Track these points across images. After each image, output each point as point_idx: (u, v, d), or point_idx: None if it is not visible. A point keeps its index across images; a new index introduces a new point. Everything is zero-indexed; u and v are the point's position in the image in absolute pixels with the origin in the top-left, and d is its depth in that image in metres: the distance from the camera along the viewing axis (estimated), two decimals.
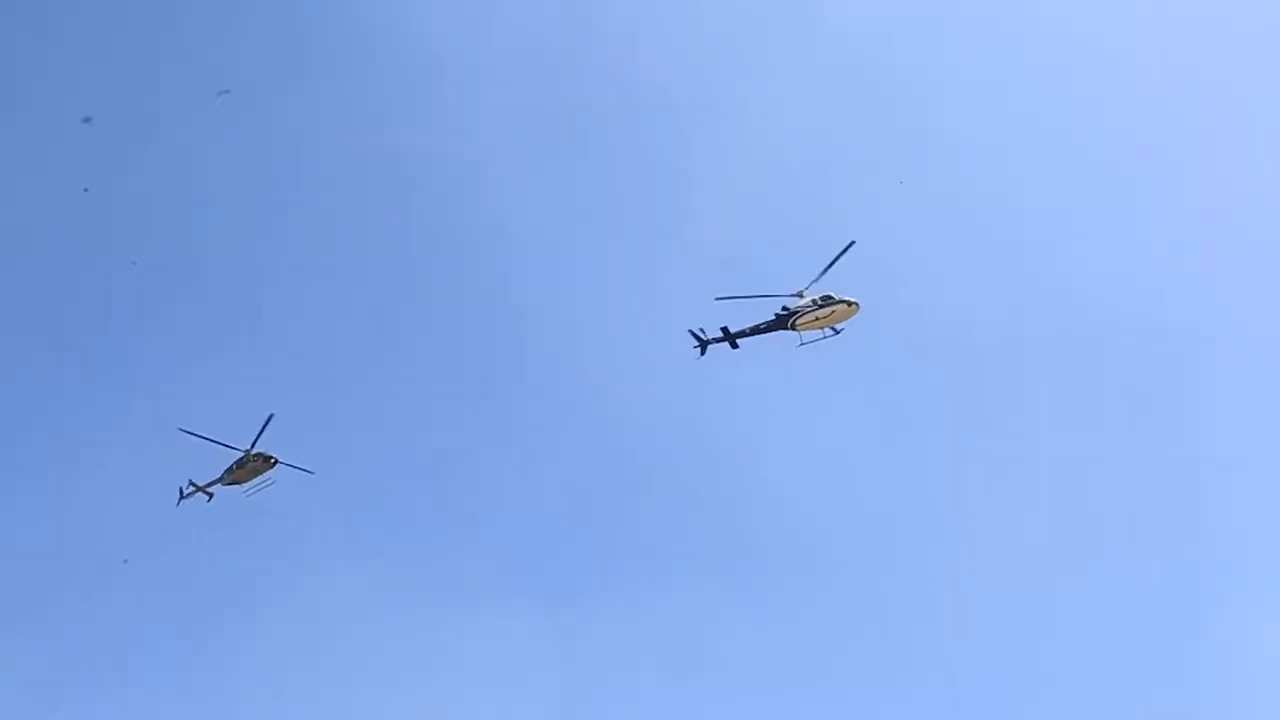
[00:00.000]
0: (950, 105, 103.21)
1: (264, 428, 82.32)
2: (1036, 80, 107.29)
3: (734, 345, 78.43)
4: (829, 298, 76.19)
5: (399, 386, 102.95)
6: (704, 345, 78.20)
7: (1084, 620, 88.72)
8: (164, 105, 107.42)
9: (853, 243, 73.90)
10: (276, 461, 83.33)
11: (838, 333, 76.48)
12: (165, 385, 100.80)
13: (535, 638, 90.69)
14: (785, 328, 77.09)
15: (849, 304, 75.86)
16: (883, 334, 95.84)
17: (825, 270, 75.27)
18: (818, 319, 76.01)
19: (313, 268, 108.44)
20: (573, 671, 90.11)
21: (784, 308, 77.03)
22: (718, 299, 76.54)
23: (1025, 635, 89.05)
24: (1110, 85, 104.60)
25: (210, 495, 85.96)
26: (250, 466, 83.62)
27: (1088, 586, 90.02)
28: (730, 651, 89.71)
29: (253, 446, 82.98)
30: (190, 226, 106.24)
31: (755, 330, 78.29)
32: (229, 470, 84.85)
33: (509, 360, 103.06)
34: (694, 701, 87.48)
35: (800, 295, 76.57)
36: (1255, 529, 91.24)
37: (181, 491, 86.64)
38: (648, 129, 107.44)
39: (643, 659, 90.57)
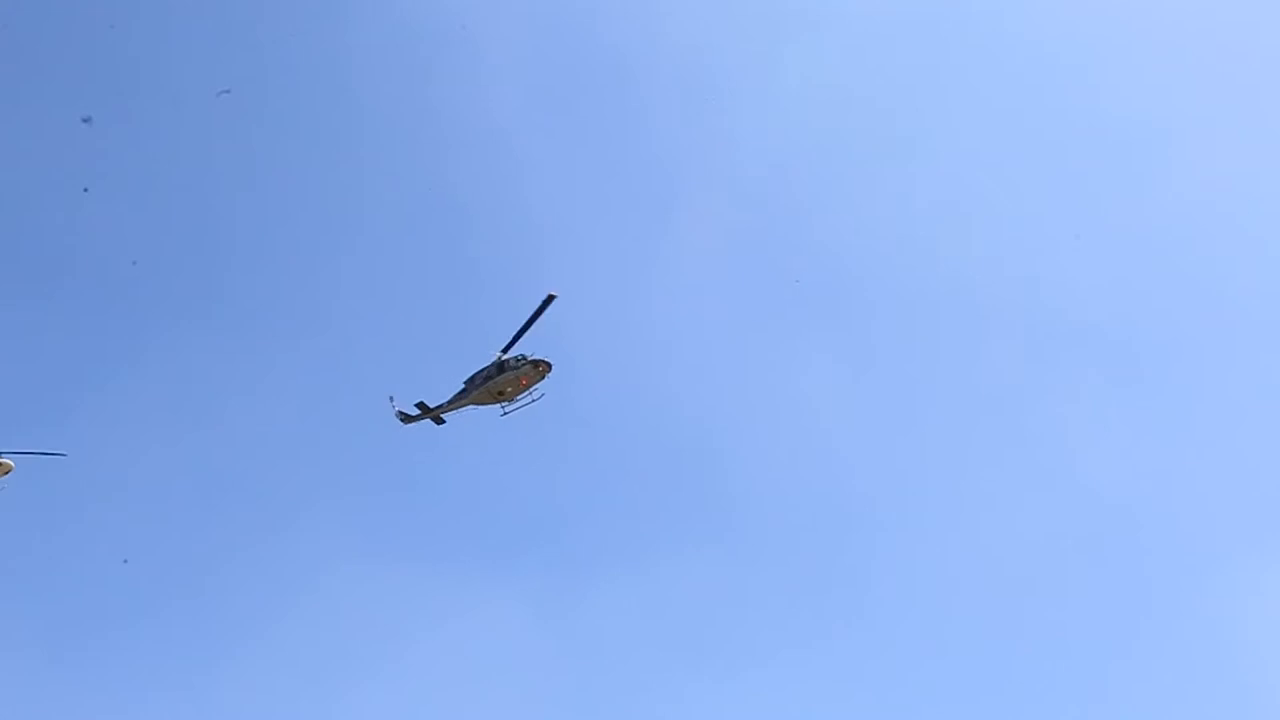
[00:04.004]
0: (955, 96, 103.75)
1: None
2: (1043, 75, 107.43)
3: (439, 421, 73.19)
4: (521, 358, 69.56)
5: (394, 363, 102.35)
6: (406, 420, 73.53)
7: (1089, 619, 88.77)
8: (165, 105, 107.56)
9: (552, 297, 67.47)
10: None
11: (535, 399, 69.76)
12: (181, 380, 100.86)
13: (529, 617, 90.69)
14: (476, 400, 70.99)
15: (535, 364, 69.22)
16: (888, 321, 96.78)
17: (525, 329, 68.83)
18: (509, 384, 69.33)
19: (315, 261, 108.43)
20: (567, 652, 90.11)
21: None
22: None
23: (1033, 627, 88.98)
24: (1115, 79, 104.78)
25: None
26: None
27: (1093, 580, 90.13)
28: (726, 629, 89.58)
29: None
30: (190, 223, 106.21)
31: (453, 402, 72.25)
32: None
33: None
34: (694, 682, 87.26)
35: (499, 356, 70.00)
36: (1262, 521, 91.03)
37: None
38: (656, 121, 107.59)
39: (641, 638, 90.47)
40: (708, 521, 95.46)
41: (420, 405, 73.06)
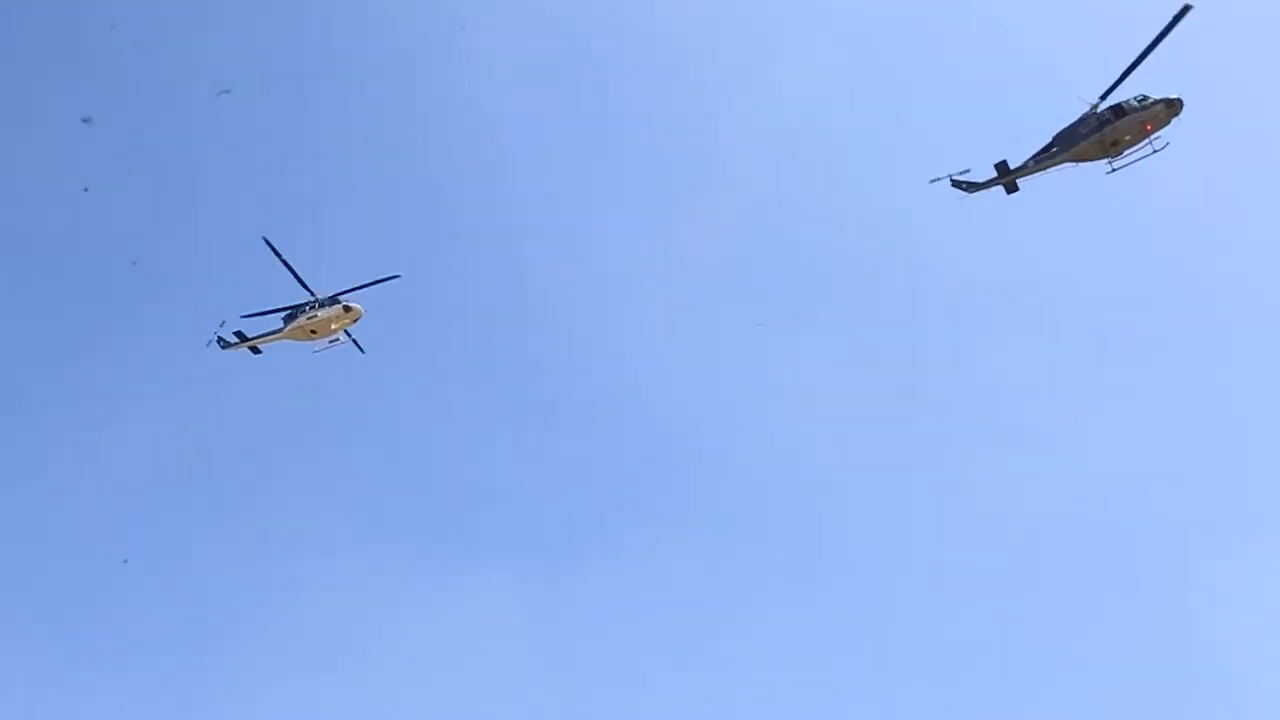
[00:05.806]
0: (956, 96, 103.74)
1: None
2: (1042, 75, 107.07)
3: (1011, 189, 61.73)
4: (1143, 99, 58.38)
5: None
6: (971, 189, 61.85)
7: (1084, 615, 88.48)
8: (165, 105, 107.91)
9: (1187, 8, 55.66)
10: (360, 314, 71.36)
11: (1157, 149, 58.93)
12: (173, 387, 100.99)
13: (512, 604, 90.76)
14: (1077, 156, 59.55)
15: (1168, 103, 58.11)
16: (883, 318, 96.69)
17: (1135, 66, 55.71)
18: (1128, 131, 58.30)
19: (313, 257, 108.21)
20: (550, 638, 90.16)
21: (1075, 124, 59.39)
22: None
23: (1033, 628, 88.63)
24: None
25: (258, 350, 74.90)
26: (326, 317, 71.51)
27: (1086, 575, 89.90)
28: (710, 617, 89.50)
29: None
30: (190, 219, 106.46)
31: (1041, 163, 60.56)
32: (294, 319, 72.93)
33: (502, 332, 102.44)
34: (677, 669, 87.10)
35: (1093, 106, 58.92)
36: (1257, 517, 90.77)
37: (222, 340, 74.52)
38: (664, 111, 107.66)
39: (625, 625, 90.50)
40: (691, 510, 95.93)
41: (1001, 166, 61.02)
